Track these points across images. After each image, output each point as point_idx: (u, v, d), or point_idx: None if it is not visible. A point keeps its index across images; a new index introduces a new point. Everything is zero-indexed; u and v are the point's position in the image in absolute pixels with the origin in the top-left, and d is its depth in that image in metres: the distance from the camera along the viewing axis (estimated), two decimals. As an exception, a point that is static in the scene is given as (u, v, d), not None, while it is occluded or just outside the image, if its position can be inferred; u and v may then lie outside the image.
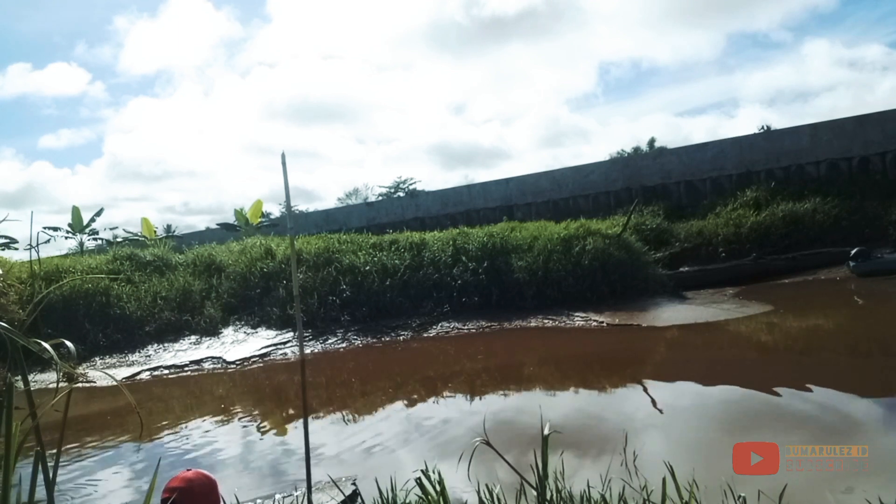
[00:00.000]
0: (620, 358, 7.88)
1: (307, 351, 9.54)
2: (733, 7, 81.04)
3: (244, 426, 6.15)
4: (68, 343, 1.28)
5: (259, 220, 19.81)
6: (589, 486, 2.61)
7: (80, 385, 8.27)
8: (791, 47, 79.51)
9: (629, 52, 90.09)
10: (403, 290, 11.19)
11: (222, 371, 8.98)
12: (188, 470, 1.96)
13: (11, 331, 1.16)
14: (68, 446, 5.60)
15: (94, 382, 8.67)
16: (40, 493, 1.53)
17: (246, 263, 12.25)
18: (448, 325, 10.39)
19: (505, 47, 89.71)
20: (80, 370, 8.95)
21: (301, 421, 3.60)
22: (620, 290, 10.78)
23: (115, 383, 7.96)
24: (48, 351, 1.20)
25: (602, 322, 9.56)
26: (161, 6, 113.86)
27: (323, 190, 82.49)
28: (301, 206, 43.87)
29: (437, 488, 2.57)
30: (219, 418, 6.48)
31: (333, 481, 3.29)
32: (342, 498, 3.37)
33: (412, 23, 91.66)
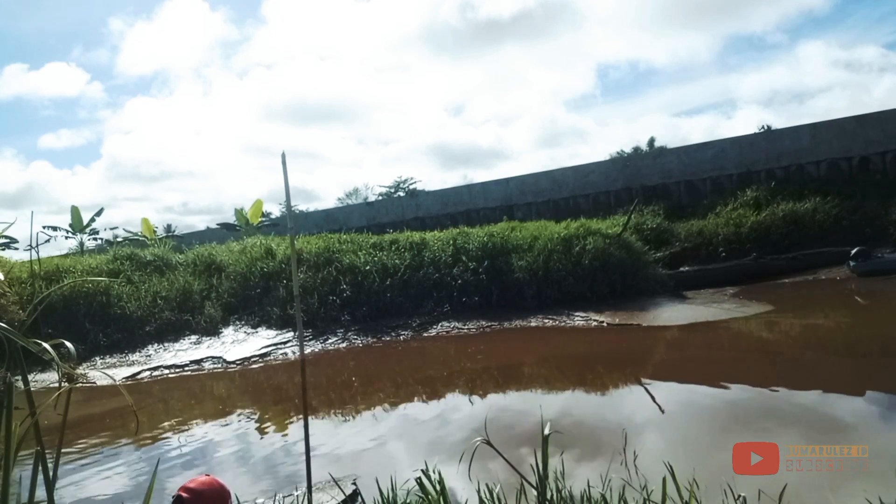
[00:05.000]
0: (620, 358, 7.88)
1: (307, 351, 9.54)
2: (728, 10, 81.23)
3: (244, 426, 6.15)
4: (68, 344, 1.28)
5: (259, 219, 19.80)
6: (589, 486, 2.61)
7: (80, 385, 8.27)
8: (787, 49, 79.69)
9: (626, 53, 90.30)
10: (403, 289, 11.18)
11: (222, 371, 8.98)
12: (206, 475, 1.98)
13: (11, 331, 1.16)
14: (68, 447, 5.60)
15: (94, 383, 8.67)
16: (40, 493, 1.53)
17: (246, 263, 12.25)
18: (448, 324, 10.39)
19: (502, 49, 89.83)
20: (80, 370, 8.95)
21: (301, 420, 3.60)
22: (620, 289, 10.79)
23: (115, 383, 7.96)
24: (48, 351, 1.20)
25: (602, 322, 9.56)
26: (157, 8, 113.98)
27: (323, 190, 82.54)
28: (301, 206, 43.86)
29: (438, 488, 2.57)
30: (219, 418, 6.48)
31: (335, 480, 3.29)
32: (342, 497, 3.37)
33: (408, 25, 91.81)
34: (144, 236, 18.96)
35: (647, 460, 3.69)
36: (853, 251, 11.57)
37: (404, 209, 22.25)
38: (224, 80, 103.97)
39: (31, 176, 73.74)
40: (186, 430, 6.13)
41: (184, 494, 1.86)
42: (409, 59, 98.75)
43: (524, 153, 69.31)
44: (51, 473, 1.34)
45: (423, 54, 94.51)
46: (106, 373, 9.02)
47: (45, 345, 1.20)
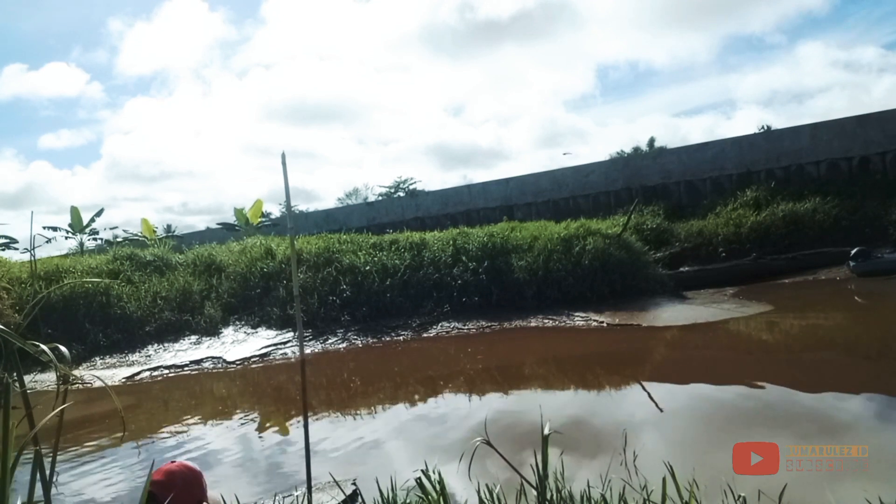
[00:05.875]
0: (620, 358, 7.88)
1: (307, 351, 9.53)
2: (726, 10, 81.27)
3: (244, 426, 6.15)
4: (61, 347, 1.27)
5: (259, 219, 19.80)
6: (589, 486, 2.61)
7: (78, 387, 8.27)
8: (786, 49, 79.69)
9: (626, 53, 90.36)
10: (403, 290, 11.18)
11: (222, 371, 8.98)
12: (172, 462, 1.91)
13: (8, 332, 1.16)
14: (66, 447, 5.60)
15: (91, 384, 8.66)
16: (38, 494, 1.52)
17: (246, 263, 12.25)
18: (448, 325, 10.39)
19: (501, 49, 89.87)
20: (79, 371, 8.94)
21: (301, 420, 3.60)
22: (620, 289, 10.78)
23: (106, 386, 7.95)
24: (45, 353, 1.20)
25: (602, 322, 9.55)
26: (156, 8, 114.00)
27: (323, 190, 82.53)
28: (301, 206, 43.82)
29: (437, 488, 2.57)
30: (219, 418, 6.48)
31: (335, 481, 3.28)
32: (342, 498, 3.36)
33: (408, 25, 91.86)
34: (144, 236, 18.96)
35: (647, 460, 3.69)
36: (853, 251, 11.57)
37: (404, 209, 22.24)
38: (223, 80, 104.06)
39: (31, 176, 73.75)
40: (186, 430, 6.12)
41: (151, 489, 1.77)
42: (409, 60, 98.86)
43: (524, 153, 69.31)
44: (48, 474, 1.34)
45: (422, 54, 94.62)
46: (98, 375, 8.98)
47: (43, 347, 1.20)
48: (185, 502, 1.80)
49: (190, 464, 1.93)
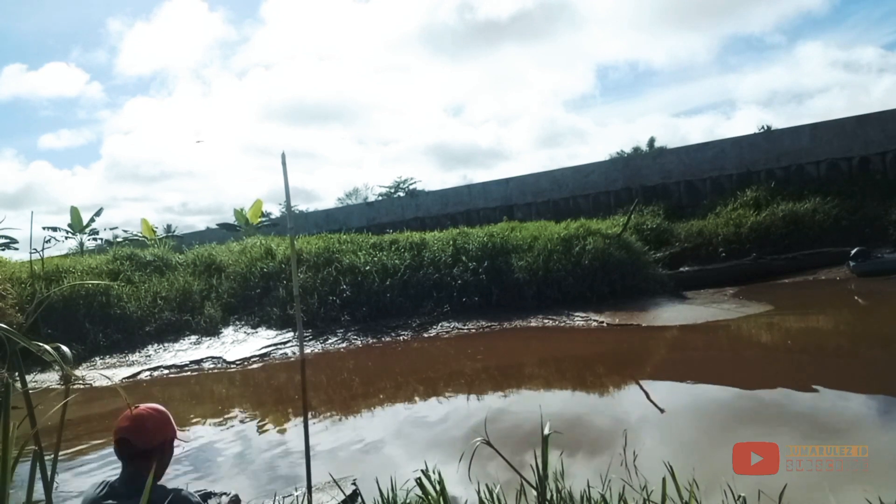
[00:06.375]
0: (620, 358, 7.88)
1: (307, 351, 9.53)
2: (727, 10, 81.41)
3: (244, 426, 6.15)
4: (63, 347, 1.28)
5: (259, 219, 19.81)
6: (589, 486, 2.61)
7: (79, 386, 8.26)
8: (786, 49, 79.85)
9: (625, 54, 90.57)
10: (403, 290, 11.18)
11: (222, 371, 8.98)
12: (136, 406, 1.87)
13: (14, 332, 1.16)
14: (68, 448, 5.60)
15: (91, 384, 8.65)
16: (38, 494, 1.53)
17: (246, 263, 12.24)
18: (448, 325, 10.39)
19: (501, 50, 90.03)
20: (79, 371, 8.94)
21: (301, 420, 3.60)
22: (620, 289, 10.78)
23: (112, 384, 7.95)
24: (49, 353, 1.21)
25: (602, 322, 9.55)
26: (155, 8, 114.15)
27: (323, 190, 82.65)
28: (301, 206, 43.83)
29: (437, 488, 2.57)
30: (219, 418, 6.48)
31: (335, 481, 3.28)
32: (342, 498, 3.36)
33: (407, 26, 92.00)
34: (144, 236, 18.97)
35: (647, 460, 3.69)
36: (853, 251, 11.58)
37: (404, 209, 22.24)
38: (223, 80, 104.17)
39: (31, 176, 73.84)
40: (186, 430, 6.12)
41: (124, 436, 1.78)
42: (409, 60, 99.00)
43: (524, 153, 69.41)
44: (49, 474, 1.34)
45: (422, 55, 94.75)
46: (103, 373, 9.00)
47: (47, 347, 1.20)
48: (158, 442, 1.82)
49: (154, 405, 1.94)
